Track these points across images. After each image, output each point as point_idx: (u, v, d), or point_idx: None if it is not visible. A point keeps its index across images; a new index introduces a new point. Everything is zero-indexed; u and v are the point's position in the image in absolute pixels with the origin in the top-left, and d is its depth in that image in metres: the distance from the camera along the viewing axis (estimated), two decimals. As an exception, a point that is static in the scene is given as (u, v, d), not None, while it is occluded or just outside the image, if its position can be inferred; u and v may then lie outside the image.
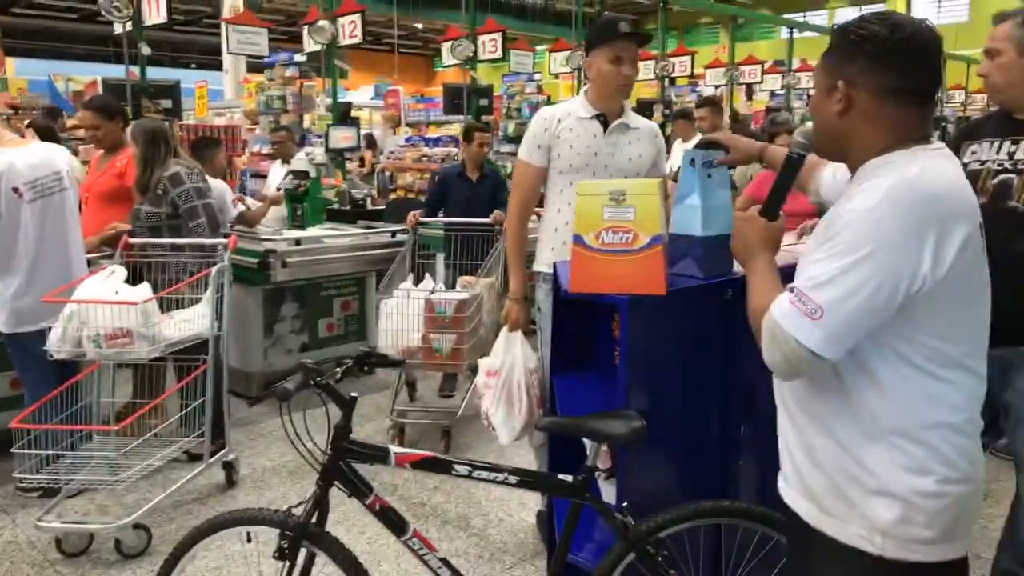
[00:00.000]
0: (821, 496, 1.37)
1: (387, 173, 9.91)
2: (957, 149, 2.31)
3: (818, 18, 22.51)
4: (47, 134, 5.67)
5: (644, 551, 1.86)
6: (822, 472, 1.37)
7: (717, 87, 12.12)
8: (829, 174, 1.81)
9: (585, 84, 2.98)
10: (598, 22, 2.74)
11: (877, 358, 1.29)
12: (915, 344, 1.28)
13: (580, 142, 2.84)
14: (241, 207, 4.90)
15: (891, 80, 1.31)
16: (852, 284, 1.23)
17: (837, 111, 1.35)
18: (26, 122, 7.08)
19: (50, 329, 3.09)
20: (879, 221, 1.23)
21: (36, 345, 3.19)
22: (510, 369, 2.85)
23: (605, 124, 2.85)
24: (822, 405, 1.37)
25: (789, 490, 1.47)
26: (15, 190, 3.32)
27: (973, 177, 1.96)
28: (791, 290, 1.30)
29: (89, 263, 3.64)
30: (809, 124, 1.48)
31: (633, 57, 2.82)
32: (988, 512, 3.16)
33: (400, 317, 3.97)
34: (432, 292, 4.07)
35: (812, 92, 1.46)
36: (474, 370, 3.20)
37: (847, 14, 19.17)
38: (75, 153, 4.53)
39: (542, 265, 2.96)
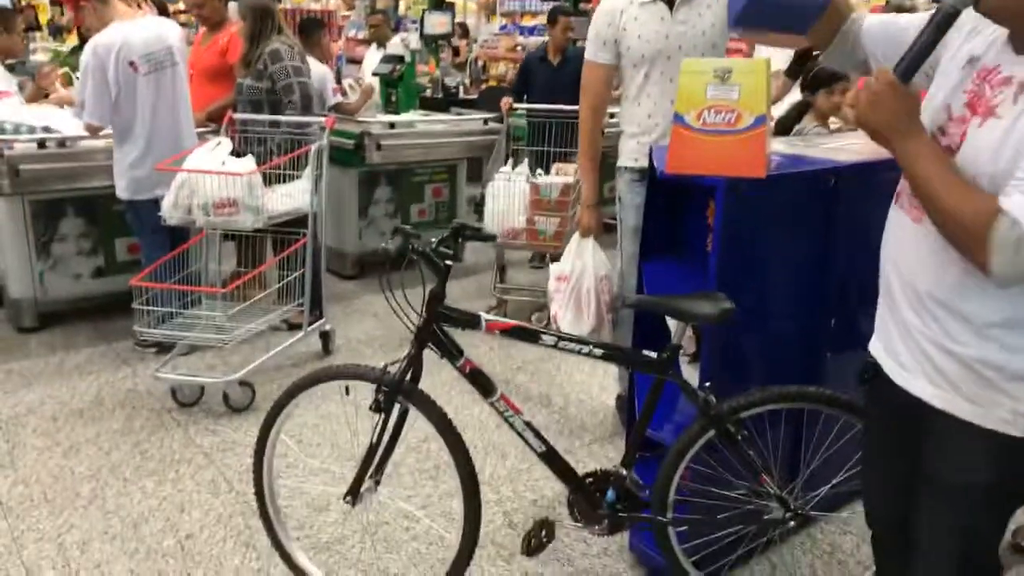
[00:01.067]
0: (958, 382, 1.33)
1: (480, 62, 9.77)
2: None
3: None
4: (161, 11, 5.82)
5: (724, 429, 1.90)
6: (957, 361, 1.33)
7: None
8: (876, 21, 1.57)
9: None
10: None
11: None
12: None
13: (648, 29, 2.72)
14: (340, 97, 4.97)
15: None
16: None
17: None
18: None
19: (164, 197, 3.28)
20: None
21: (151, 212, 3.40)
22: (580, 275, 2.87)
23: (670, 3, 2.71)
24: (982, 305, 1.29)
25: (909, 376, 1.41)
26: (131, 64, 3.47)
27: None
28: None
29: (197, 136, 3.81)
30: None
31: None
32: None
33: (506, 199, 4.05)
34: (533, 176, 4.15)
35: None
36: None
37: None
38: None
39: (626, 159, 2.91)
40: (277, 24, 3.90)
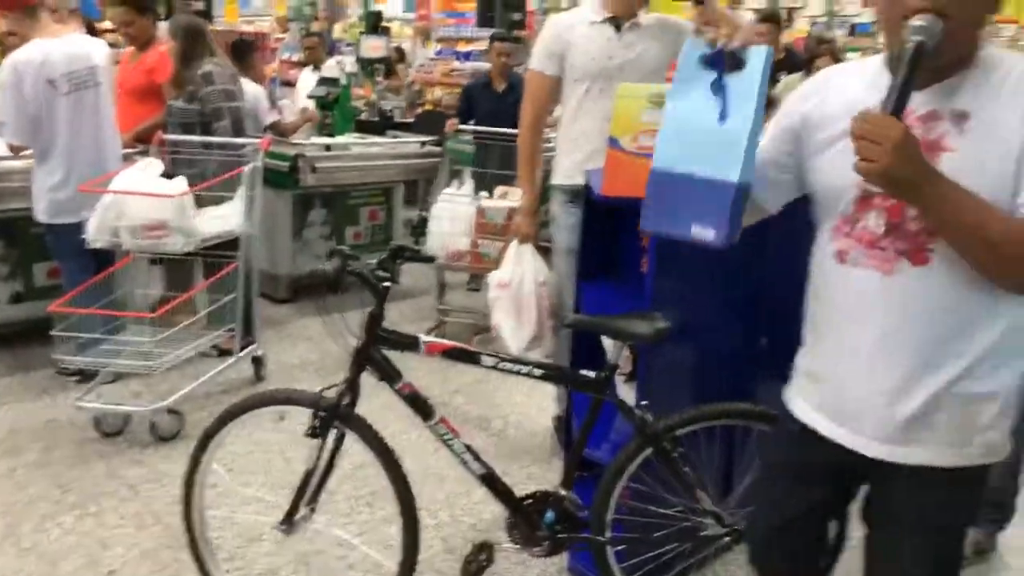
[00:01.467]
0: (938, 428, 1.30)
1: (415, 87, 9.78)
2: None
3: (869, -57, 21.47)
4: (88, 30, 5.64)
5: (661, 447, 1.93)
6: (951, 405, 1.29)
7: (758, 10, 11.75)
8: None
9: None
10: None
11: None
12: None
13: (593, 46, 2.78)
14: (276, 115, 4.91)
15: None
16: None
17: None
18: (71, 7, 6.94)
19: (88, 220, 3.17)
20: None
21: (73, 235, 3.28)
22: (520, 281, 2.90)
23: (618, 27, 2.78)
24: (975, 342, 1.26)
25: (861, 439, 1.35)
26: (50, 82, 3.35)
27: None
28: None
29: (124, 158, 3.69)
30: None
31: None
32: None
33: (450, 222, 4.05)
34: (478, 198, 4.17)
35: None
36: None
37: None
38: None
39: (560, 178, 2.95)
40: (209, 45, 3.84)
